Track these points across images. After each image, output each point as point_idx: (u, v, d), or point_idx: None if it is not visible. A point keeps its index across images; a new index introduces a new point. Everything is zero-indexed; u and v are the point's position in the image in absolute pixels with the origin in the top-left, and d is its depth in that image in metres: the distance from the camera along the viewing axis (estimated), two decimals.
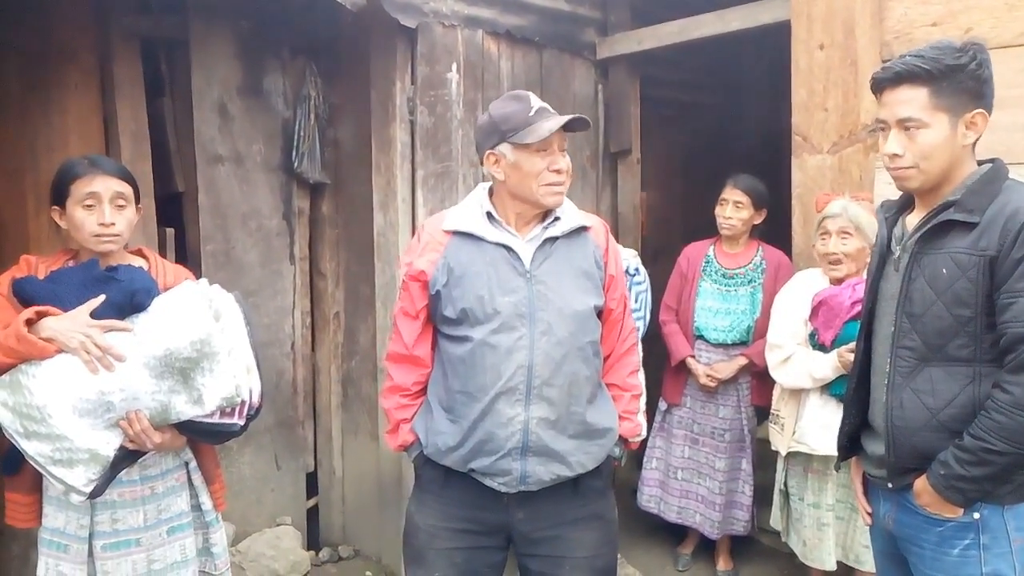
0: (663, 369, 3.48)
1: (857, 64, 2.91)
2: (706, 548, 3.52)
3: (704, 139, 5.12)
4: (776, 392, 2.90)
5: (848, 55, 2.94)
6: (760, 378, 3.16)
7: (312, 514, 3.61)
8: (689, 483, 3.38)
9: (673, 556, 3.55)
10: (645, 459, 3.51)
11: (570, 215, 2.01)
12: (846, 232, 2.68)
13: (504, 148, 1.90)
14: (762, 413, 3.26)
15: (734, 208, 3.28)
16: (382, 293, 3.31)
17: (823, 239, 2.75)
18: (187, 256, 3.11)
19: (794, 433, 2.77)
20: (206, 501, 2.10)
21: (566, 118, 1.88)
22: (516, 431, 1.87)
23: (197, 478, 2.09)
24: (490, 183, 2.04)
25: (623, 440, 2.09)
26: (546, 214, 1.99)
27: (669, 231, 4.73)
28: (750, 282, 3.29)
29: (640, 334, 3.22)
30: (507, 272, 1.92)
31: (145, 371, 1.80)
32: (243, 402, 1.94)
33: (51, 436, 1.74)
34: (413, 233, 3.20)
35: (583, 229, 2.02)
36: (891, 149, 1.69)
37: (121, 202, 1.95)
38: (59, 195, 1.94)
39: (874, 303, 1.85)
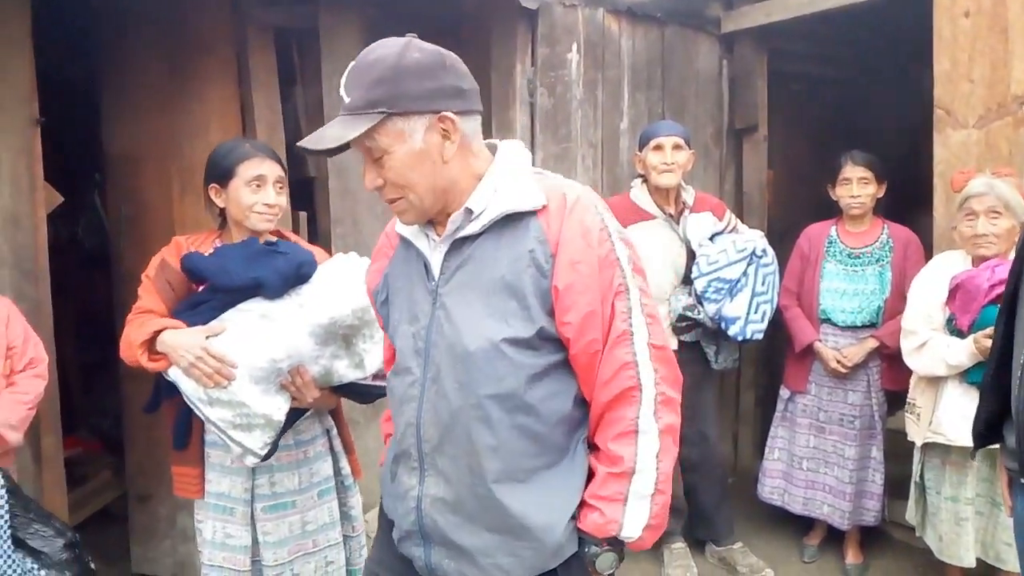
0: (783, 356, 3.38)
1: (1007, 32, 2.71)
2: (833, 539, 3.39)
3: (835, 114, 4.88)
4: (912, 380, 2.77)
5: (996, 22, 2.73)
6: (891, 361, 3.01)
7: None
8: (815, 473, 3.27)
9: (799, 547, 3.45)
10: (767, 449, 3.41)
11: (504, 195, 1.36)
12: (995, 211, 2.52)
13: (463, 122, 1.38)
14: (893, 398, 3.11)
15: (860, 185, 3.14)
16: None
17: (968, 220, 2.59)
18: (318, 238, 3.25)
19: (931, 423, 2.63)
20: (345, 467, 2.21)
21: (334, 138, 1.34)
22: (411, 508, 1.43)
23: (338, 445, 2.21)
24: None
25: (601, 539, 1.39)
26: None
27: (797, 211, 4.55)
28: (878, 261, 3.14)
29: (768, 317, 3.15)
30: (420, 290, 1.44)
31: (311, 338, 1.91)
32: None
33: (232, 403, 1.86)
34: None
35: (522, 215, 1.36)
36: None
37: (280, 185, 2.07)
38: (223, 174, 2.04)
39: (1017, 285, 1.71)
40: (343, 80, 1.34)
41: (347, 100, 1.32)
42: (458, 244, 1.39)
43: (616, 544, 1.41)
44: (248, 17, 2.99)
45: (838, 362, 3.11)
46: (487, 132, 3.27)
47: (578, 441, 1.43)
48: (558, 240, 1.34)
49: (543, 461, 1.38)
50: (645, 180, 3.20)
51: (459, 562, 1.40)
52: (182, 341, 1.85)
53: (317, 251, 2.22)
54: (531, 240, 1.34)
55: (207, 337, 1.86)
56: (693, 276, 3.11)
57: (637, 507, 1.38)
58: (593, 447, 1.43)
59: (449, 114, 1.32)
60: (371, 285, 1.59)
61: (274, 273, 1.92)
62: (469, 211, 1.36)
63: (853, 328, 3.15)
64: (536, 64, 3.17)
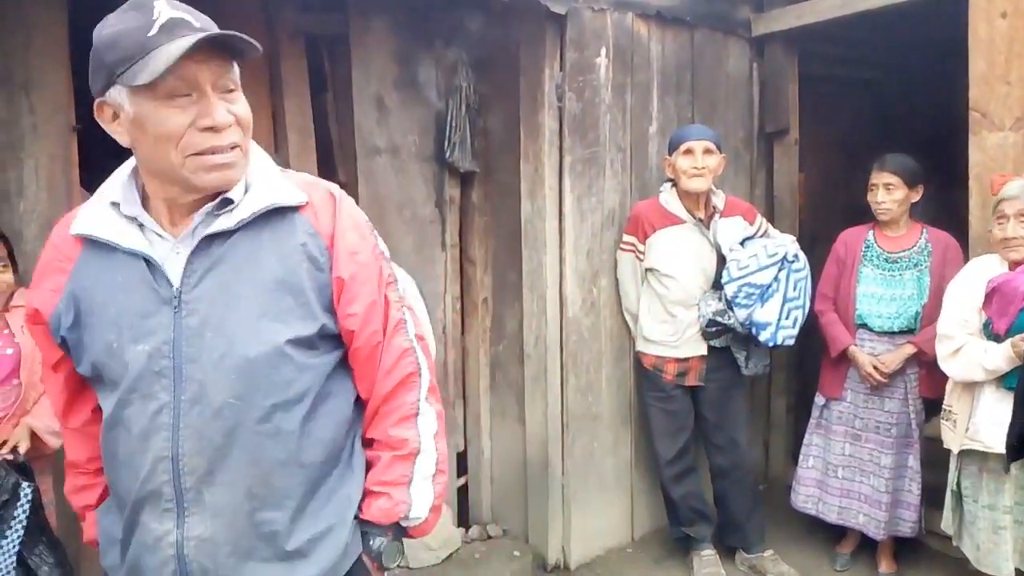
0: (818, 362, 3.33)
1: None
2: (866, 548, 3.34)
3: (868, 117, 4.83)
4: (948, 386, 2.72)
5: None
6: (929, 368, 2.96)
7: (461, 493, 3.73)
8: (851, 482, 3.22)
9: (830, 555, 3.40)
10: (801, 457, 3.37)
11: (265, 189, 1.26)
12: None
13: (118, 92, 1.17)
14: (931, 406, 3.06)
15: (885, 191, 3.09)
16: (529, 280, 3.35)
17: (1000, 223, 2.55)
18: None
19: (967, 430, 2.58)
20: None
21: (200, 35, 1.13)
22: (168, 559, 1.23)
23: None
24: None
25: (385, 527, 1.36)
26: (217, 195, 1.24)
27: (829, 215, 4.50)
28: (915, 265, 3.09)
29: (800, 323, 3.11)
30: (145, 299, 1.22)
31: None
32: None
33: None
34: (560, 220, 3.24)
35: (289, 210, 1.27)
36: None
37: None
38: None
39: None
40: (177, 10, 1.17)
41: (197, 24, 1.17)
42: (206, 243, 1.23)
43: (398, 532, 1.38)
44: (279, 24, 3.02)
45: (875, 368, 3.07)
46: (516, 136, 3.31)
47: (354, 439, 1.38)
48: (332, 232, 1.29)
49: (329, 467, 1.32)
50: (675, 184, 3.18)
51: None
52: None
53: None
54: (300, 234, 1.26)
55: None
56: (723, 281, 3.08)
57: (422, 487, 1.38)
58: (367, 442, 1.40)
59: None
60: (45, 310, 1.27)
61: None
62: (226, 201, 1.23)
63: (890, 334, 3.10)
64: (564, 68, 3.16)
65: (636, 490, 3.57)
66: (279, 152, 3.06)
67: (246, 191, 1.25)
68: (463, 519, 3.69)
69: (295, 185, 1.30)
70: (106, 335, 1.23)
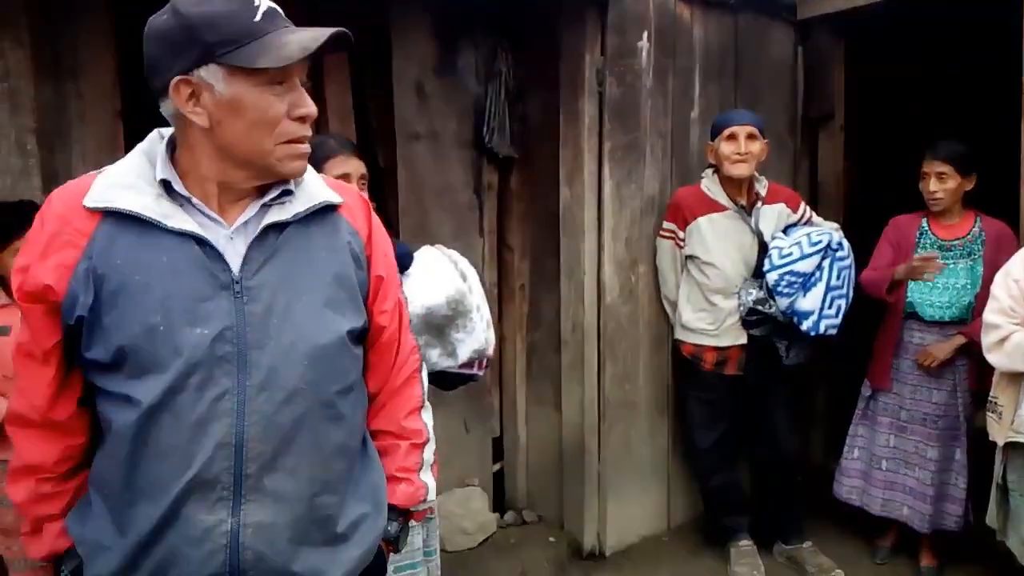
0: (860, 352, 3.27)
1: None
2: (907, 541, 3.29)
3: (919, 102, 4.71)
4: (995, 377, 2.65)
5: None
6: (980, 359, 2.89)
7: (497, 478, 3.74)
8: (895, 474, 3.16)
9: (870, 548, 3.35)
10: (846, 448, 3.31)
11: (311, 186, 1.31)
12: None
13: (210, 72, 1.16)
14: (982, 398, 2.99)
15: (937, 181, 3.01)
16: (566, 267, 3.33)
17: None
18: (387, 229, 3.29)
19: (1012, 422, 2.52)
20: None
21: (329, 31, 1.20)
22: (219, 549, 1.19)
23: None
24: (170, 130, 1.27)
25: (399, 512, 1.45)
26: (267, 186, 1.26)
27: (877, 202, 4.40)
28: (969, 254, 3.01)
29: (844, 312, 3.06)
30: (200, 283, 1.19)
31: None
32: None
33: None
34: (599, 207, 3.21)
35: (330, 208, 1.31)
36: None
37: (364, 181, 2.09)
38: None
39: None
40: (272, 1, 1.22)
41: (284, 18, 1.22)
42: (264, 232, 1.24)
43: (406, 517, 1.49)
44: (321, 10, 3.03)
45: (927, 353, 3.00)
46: (555, 122, 3.29)
47: (366, 429, 1.44)
48: (369, 233, 1.36)
49: (361, 453, 1.38)
50: (716, 170, 3.14)
51: None
52: None
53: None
54: (344, 233, 1.32)
55: None
56: (765, 269, 3.04)
57: (428, 473, 1.52)
58: (373, 433, 1.46)
59: None
60: (59, 287, 1.17)
61: None
62: (286, 192, 1.26)
63: (940, 323, 3.04)
64: (605, 53, 3.13)
65: (673, 479, 3.55)
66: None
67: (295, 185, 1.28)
68: (498, 504, 3.71)
69: (328, 186, 1.35)
70: (148, 317, 1.16)
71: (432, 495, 1.51)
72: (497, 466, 3.73)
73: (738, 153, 3.00)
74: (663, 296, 3.35)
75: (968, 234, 3.04)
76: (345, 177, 2.03)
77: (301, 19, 1.30)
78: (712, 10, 3.42)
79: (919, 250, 3.10)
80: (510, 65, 3.41)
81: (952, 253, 3.05)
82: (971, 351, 2.96)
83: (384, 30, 3.21)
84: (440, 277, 1.97)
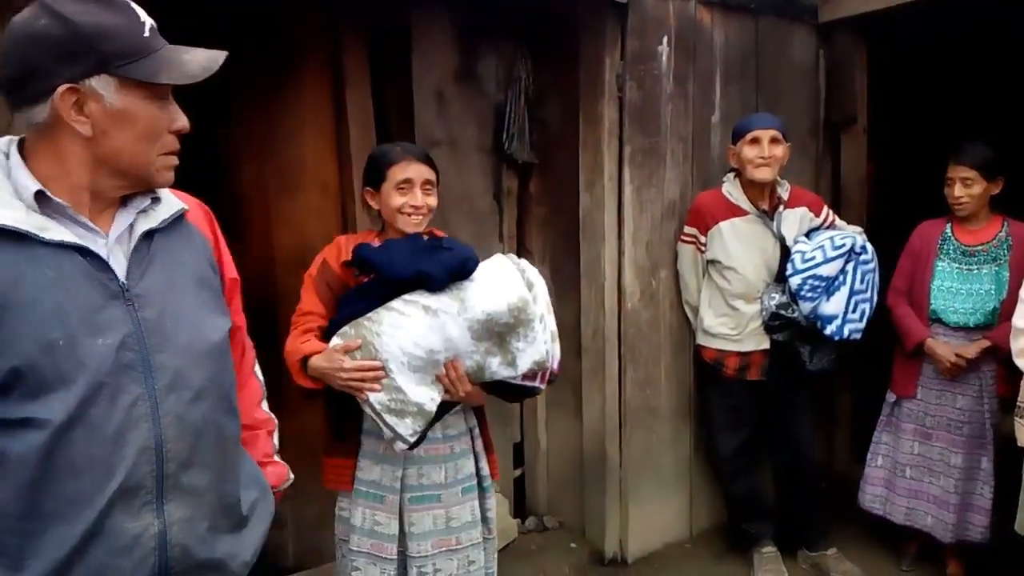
0: (884, 358, 3.23)
1: None
2: (933, 547, 3.23)
3: (943, 105, 4.66)
4: (1023, 382, 2.61)
5: None
6: (1007, 365, 2.84)
7: (518, 484, 3.73)
8: (919, 482, 3.12)
9: (895, 555, 3.31)
10: (869, 456, 3.27)
11: (165, 194, 1.34)
12: None
13: (101, 83, 1.16)
14: (1011, 404, 2.94)
15: (962, 186, 2.97)
16: (587, 272, 3.32)
17: None
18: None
19: None
20: (485, 467, 2.23)
21: (223, 53, 1.25)
22: (148, 553, 1.20)
23: (479, 445, 2.24)
24: (18, 137, 1.24)
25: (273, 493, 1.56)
26: (131, 195, 1.27)
27: (900, 206, 4.36)
28: (994, 260, 2.97)
29: (868, 317, 3.03)
30: (92, 294, 1.18)
31: (468, 333, 1.94)
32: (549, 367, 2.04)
33: (390, 387, 1.92)
34: (619, 211, 3.20)
35: (180, 216, 1.35)
36: None
37: (429, 187, 2.12)
38: (375, 178, 2.12)
39: None
40: (143, 14, 1.21)
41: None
42: (144, 238, 1.27)
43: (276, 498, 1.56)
44: (343, 18, 3.05)
45: (957, 355, 2.94)
46: (575, 127, 3.28)
47: None
48: (216, 237, 1.44)
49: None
50: (738, 174, 3.12)
51: None
52: (326, 367, 1.94)
53: None
54: (197, 238, 1.38)
55: (346, 352, 1.92)
56: (787, 273, 3.01)
57: (279, 458, 1.63)
58: None
59: None
60: None
61: (439, 267, 1.95)
62: (156, 200, 1.30)
63: (965, 328, 3.00)
64: (625, 57, 3.13)
65: (695, 485, 3.53)
66: (341, 146, 3.10)
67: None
68: (519, 510, 3.70)
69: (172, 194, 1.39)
70: (45, 333, 1.12)
71: (291, 476, 1.63)
72: (518, 472, 3.72)
73: (761, 157, 2.98)
74: (684, 301, 3.34)
75: (994, 239, 3.00)
76: (407, 182, 2.07)
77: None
78: (733, 13, 3.41)
79: (941, 256, 3.06)
80: (530, 70, 3.41)
81: (976, 259, 3.01)
82: (999, 356, 2.92)
83: (405, 37, 3.23)
84: (504, 284, 1.96)
